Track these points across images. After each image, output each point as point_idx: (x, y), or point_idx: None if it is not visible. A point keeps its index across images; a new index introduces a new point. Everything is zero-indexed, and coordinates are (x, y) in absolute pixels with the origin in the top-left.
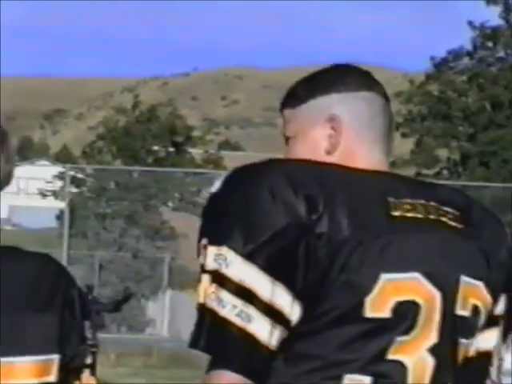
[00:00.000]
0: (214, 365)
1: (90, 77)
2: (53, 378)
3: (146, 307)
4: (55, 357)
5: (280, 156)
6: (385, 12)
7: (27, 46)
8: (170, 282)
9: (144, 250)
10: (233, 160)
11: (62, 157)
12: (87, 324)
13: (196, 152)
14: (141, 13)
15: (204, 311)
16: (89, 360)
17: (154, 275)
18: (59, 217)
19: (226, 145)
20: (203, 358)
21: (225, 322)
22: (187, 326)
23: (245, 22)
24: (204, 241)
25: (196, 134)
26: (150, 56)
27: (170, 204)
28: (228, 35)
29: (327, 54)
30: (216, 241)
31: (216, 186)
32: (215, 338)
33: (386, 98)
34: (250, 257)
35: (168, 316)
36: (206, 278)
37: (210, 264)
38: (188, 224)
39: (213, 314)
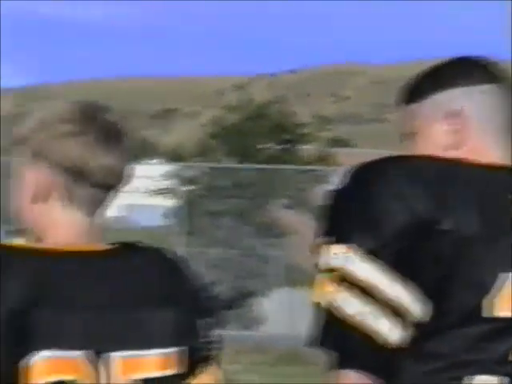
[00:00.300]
0: (339, 364)
1: (200, 75)
2: (175, 370)
3: (258, 305)
4: (177, 350)
5: (392, 152)
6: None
7: (139, 46)
8: (283, 279)
9: (256, 247)
10: (344, 156)
11: (175, 155)
12: (207, 320)
13: (307, 149)
14: (250, 12)
15: (325, 310)
16: (210, 355)
17: (266, 273)
18: (172, 215)
19: (337, 141)
20: (317, 355)
21: (347, 321)
22: (300, 323)
23: (354, 17)
24: (325, 239)
25: (307, 130)
26: (260, 53)
27: (281, 201)
28: (338, 31)
29: (438, 48)
30: (337, 239)
31: (337, 183)
32: (337, 336)
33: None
34: (372, 255)
35: (280, 313)
36: (327, 276)
37: (332, 262)
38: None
39: (334, 312)
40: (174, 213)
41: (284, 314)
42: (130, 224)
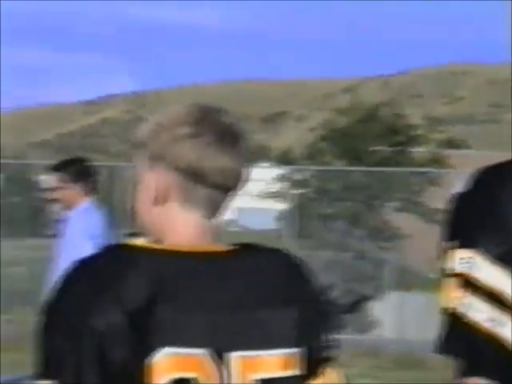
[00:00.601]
0: (466, 371)
1: (309, 78)
2: (297, 371)
3: (371, 308)
4: (298, 350)
5: (509, 153)
6: None
7: (248, 50)
8: (395, 282)
9: (368, 250)
10: (458, 158)
11: (284, 158)
12: (327, 323)
13: (419, 151)
14: (358, 13)
15: (451, 316)
16: (329, 357)
17: (378, 276)
18: (282, 218)
19: (450, 143)
20: (430, 360)
21: (474, 328)
22: (413, 327)
23: (467, 16)
24: (450, 243)
25: (419, 132)
26: (370, 55)
27: (393, 204)
28: (451, 31)
29: None
30: (463, 243)
31: (461, 186)
32: (465, 343)
33: None
34: (500, 260)
35: (393, 317)
36: (452, 281)
37: (457, 267)
38: (412, 224)
39: (461, 319)
40: (284, 216)
41: (397, 317)
42: (240, 227)
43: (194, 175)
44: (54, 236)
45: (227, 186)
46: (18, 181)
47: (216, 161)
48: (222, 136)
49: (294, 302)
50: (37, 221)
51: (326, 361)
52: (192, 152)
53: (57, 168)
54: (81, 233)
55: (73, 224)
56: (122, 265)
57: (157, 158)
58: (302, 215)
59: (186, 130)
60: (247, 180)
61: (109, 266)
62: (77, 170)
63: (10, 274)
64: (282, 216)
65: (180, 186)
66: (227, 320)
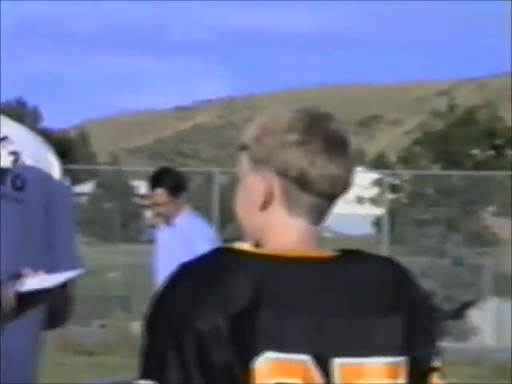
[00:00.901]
0: None
1: (404, 81)
2: (402, 380)
3: (469, 315)
4: (403, 359)
5: None
6: None
7: (340, 54)
8: (494, 289)
9: (465, 256)
10: None
11: (379, 163)
12: (433, 330)
13: None
14: (454, 15)
15: None
16: (434, 366)
17: (476, 282)
18: (377, 223)
19: None
20: None
21: None
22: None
23: None
24: None
25: None
26: (466, 57)
27: (491, 209)
28: None
29: None
30: None
31: None
32: None
33: None
34: None
35: (493, 324)
36: None
37: None
38: (510, 229)
39: None
40: (378, 221)
41: (496, 325)
42: (333, 232)
43: (300, 182)
44: (150, 242)
45: (333, 193)
46: (111, 187)
47: (324, 169)
48: (330, 144)
49: (400, 308)
50: (130, 226)
51: (432, 370)
52: (300, 159)
53: (154, 184)
54: (198, 237)
55: (183, 230)
56: (227, 268)
57: (261, 162)
58: (396, 220)
59: (294, 136)
60: (352, 186)
61: (213, 269)
62: (174, 183)
63: (104, 280)
64: (376, 221)
65: (285, 191)
66: (331, 326)
